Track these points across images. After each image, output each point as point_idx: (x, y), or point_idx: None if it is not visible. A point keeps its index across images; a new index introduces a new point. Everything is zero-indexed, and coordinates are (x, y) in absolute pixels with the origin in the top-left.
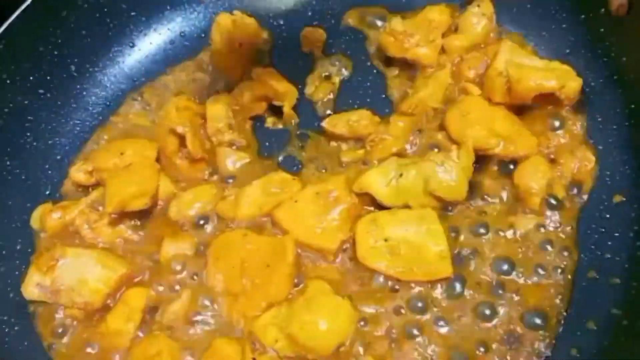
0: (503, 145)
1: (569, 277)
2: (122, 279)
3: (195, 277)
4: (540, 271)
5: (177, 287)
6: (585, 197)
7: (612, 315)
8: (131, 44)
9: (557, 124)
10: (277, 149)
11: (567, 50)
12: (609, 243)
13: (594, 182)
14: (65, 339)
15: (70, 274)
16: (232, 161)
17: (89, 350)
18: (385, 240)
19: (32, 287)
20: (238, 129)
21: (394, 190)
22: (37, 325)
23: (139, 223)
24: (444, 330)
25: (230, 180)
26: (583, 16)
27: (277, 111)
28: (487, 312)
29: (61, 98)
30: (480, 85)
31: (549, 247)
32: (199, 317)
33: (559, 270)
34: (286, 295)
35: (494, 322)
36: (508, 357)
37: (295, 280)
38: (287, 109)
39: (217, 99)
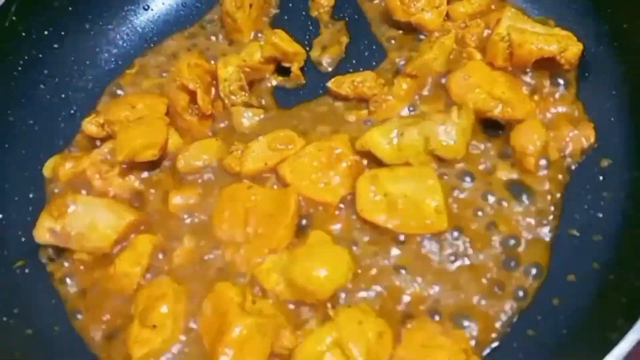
0: (502, 108)
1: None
2: (130, 226)
3: (200, 226)
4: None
5: (183, 235)
6: (575, 162)
7: (594, 269)
8: (144, 3)
9: (557, 91)
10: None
11: (569, 18)
12: (593, 203)
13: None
14: (74, 281)
15: (80, 219)
16: (248, 117)
17: (97, 291)
18: (385, 195)
19: (44, 231)
20: (250, 89)
21: (395, 148)
22: (48, 268)
23: (148, 174)
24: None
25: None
26: None
27: (283, 71)
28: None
29: (75, 53)
30: (483, 51)
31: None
32: (203, 262)
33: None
34: (288, 243)
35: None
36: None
37: (300, 229)
38: (295, 70)
39: (227, 60)
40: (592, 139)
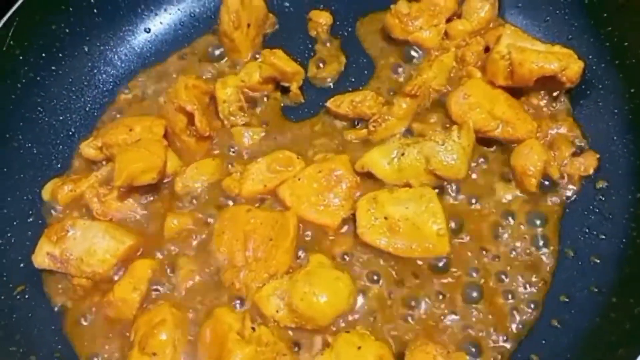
0: (502, 128)
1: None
2: (129, 251)
3: (199, 250)
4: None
5: (182, 259)
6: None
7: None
8: (142, 24)
9: (558, 110)
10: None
11: (570, 36)
12: (592, 225)
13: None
14: (73, 308)
15: (79, 244)
16: (249, 137)
17: (96, 319)
18: (385, 218)
19: (43, 256)
20: (249, 110)
21: (395, 169)
22: (47, 293)
23: (146, 198)
24: None
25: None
26: (586, 1)
27: (282, 89)
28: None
29: (73, 75)
30: (483, 69)
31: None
32: (202, 287)
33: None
34: (288, 268)
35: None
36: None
37: (299, 254)
38: (294, 89)
39: (225, 82)
40: (593, 169)
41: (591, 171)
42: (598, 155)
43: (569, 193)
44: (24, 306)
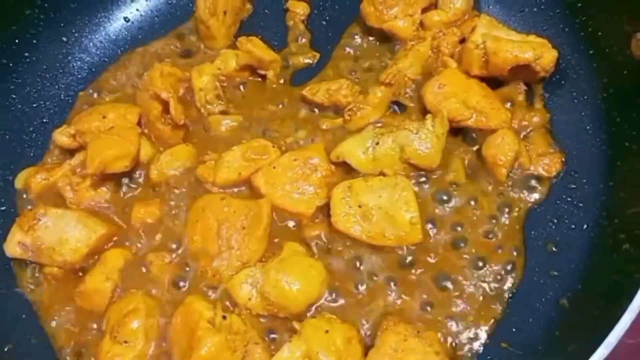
0: (475, 117)
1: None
2: (101, 240)
3: (172, 238)
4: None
5: (154, 248)
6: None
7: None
8: (118, 11)
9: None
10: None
11: (545, 27)
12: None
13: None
14: (45, 297)
15: (51, 233)
16: (226, 125)
17: (68, 308)
18: (359, 206)
19: (14, 245)
20: (226, 98)
21: (370, 158)
22: (19, 282)
23: (120, 187)
24: None
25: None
26: None
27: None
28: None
29: (47, 62)
30: (459, 59)
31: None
32: (175, 276)
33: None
34: (261, 256)
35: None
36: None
37: (275, 241)
38: (271, 77)
39: (201, 69)
40: (556, 171)
41: (553, 173)
42: (563, 158)
43: (539, 187)
44: None
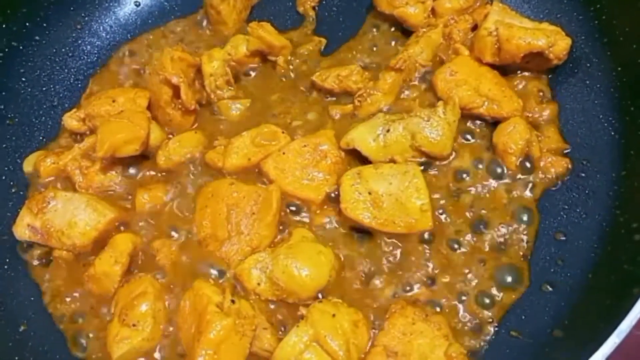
0: (487, 105)
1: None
2: (110, 223)
3: (181, 223)
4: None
5: (164, 232)
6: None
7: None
8: None
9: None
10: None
11: (558, 14)
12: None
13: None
14: (55, 281)
15: (60, 216)
16: (236, 109)
17: (77, 291)
18: (369, 193)
19: (23, 227)
20: (236, 84)
21: (380, 145)
22: (29, 267)
23: (129, 171)
24: None
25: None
26: None
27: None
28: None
29: (57, 45)
30: (471, 47)
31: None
32: (184, 260)
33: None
34: (270, 241)
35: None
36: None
37: (281, 228)
38: (281, 63)
39: (211, 55)
40: (557, 174)
41: (553, 174)
42: (570, 165)
43: (549, 176)
44: (4, 278)
